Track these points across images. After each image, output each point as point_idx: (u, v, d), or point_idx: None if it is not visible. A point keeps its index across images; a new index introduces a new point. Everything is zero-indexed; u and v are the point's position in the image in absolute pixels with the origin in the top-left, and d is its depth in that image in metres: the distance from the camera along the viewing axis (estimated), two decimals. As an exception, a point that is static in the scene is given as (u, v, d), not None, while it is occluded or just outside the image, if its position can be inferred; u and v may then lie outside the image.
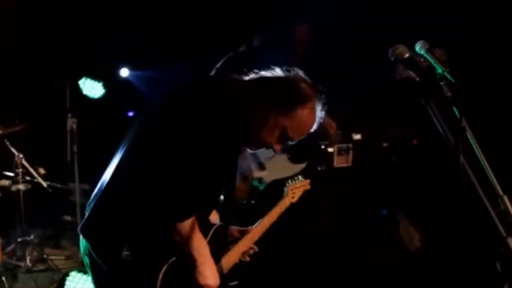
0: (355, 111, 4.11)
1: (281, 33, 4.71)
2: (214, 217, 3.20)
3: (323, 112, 2.82)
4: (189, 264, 2.77)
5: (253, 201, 4.28)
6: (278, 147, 2.86)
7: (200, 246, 2.77)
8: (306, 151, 3.13)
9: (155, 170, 2.62)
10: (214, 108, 2.66)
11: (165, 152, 2.64)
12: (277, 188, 4.06)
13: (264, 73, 2.84)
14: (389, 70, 2.37)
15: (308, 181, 3.61)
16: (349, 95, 4.33)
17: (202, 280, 2.78)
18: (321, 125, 2.88)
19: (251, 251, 3.22)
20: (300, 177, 3.61)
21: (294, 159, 4.24)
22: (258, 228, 3.27)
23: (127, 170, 2.76)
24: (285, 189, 3.49)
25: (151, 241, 2.71)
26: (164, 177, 2.60)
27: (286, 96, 2.75)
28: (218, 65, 3.14)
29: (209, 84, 2.87)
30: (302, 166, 4.39)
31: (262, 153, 4.13)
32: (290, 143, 2.89)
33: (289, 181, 3.54)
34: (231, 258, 3.12)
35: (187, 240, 2.72)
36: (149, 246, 2.71)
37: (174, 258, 2.76)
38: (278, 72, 2.82)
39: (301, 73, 2.84)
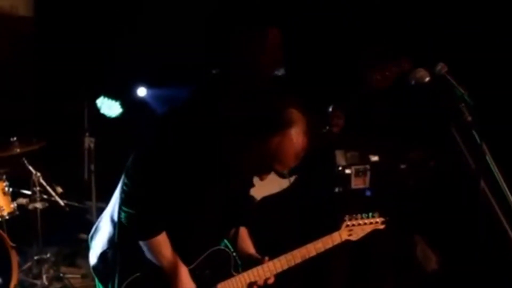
0: (373, 132, 4.10)
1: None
2: (247, 240, 3.16)
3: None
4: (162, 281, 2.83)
5: None
6: (264, 176, 2.85)
7: (172, 267, 2.81)
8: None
9: (127, 179, 2.71)
10: (194, 129, 2.70)
11: (138, 164, 2.73)
12: (268, 204, 4.04)
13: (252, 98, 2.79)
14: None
15: (381, 219, 3.27)
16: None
17: None
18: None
19: (262, 283, 3.03)
20: (370, 213, 3.27)
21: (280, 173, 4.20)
22: (283, 261, 3.05)
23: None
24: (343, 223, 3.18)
25: (127, 252, 2.82)
26: (131, 186, 2.69)
27: (261, 123, 2.68)
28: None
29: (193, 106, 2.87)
30: (291, 180, 4.37)
31: None
32: (282, 172, 2.82)
33: (348, 216, 3.21)
34: (232, 284, 3.00)
35: (159, 259, 2.79)
36: (125, 257, 2.82)
37: (138, 274, 2.81)
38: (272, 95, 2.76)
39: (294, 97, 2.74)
